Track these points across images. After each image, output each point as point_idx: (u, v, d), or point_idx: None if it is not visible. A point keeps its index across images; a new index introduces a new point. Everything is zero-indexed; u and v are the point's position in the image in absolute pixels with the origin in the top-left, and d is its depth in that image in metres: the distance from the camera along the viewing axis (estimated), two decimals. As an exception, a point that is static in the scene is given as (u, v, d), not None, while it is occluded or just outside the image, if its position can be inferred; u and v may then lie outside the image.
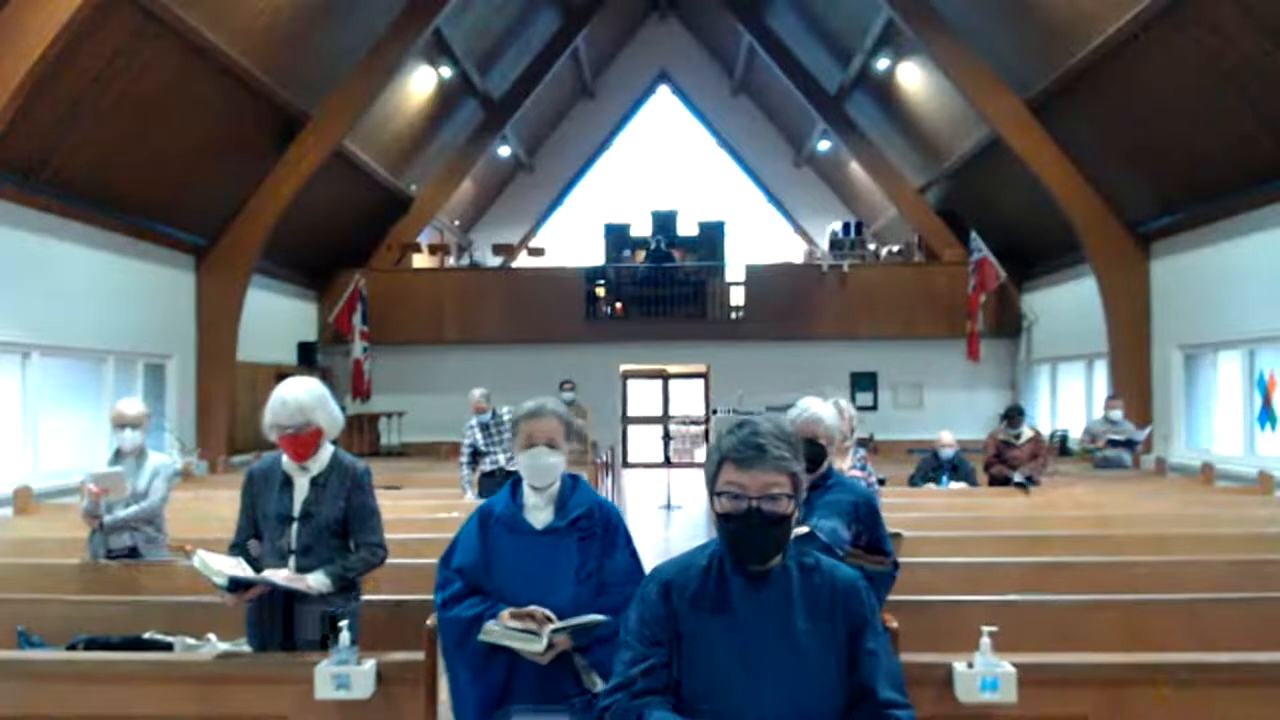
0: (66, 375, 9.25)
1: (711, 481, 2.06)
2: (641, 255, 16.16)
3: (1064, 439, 12.53)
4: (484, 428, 8.05)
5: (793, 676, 1.97)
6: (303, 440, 3.33)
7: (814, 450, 3.33)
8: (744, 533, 2.01)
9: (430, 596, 3.02)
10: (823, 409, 3.47)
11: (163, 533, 4.97)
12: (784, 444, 2.03)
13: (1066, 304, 13.02)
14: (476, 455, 8.07)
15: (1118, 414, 9.56)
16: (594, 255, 17.07)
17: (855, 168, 17.70)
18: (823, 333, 14.68)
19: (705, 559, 2.11)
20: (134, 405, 4.96)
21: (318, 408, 3.36)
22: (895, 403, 15.05)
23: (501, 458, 7.94)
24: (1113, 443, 9.53)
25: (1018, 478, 8.05)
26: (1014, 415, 8.50)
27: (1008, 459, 8.30)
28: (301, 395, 3.34)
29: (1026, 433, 8.44)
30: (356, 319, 14.15)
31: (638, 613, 2.12)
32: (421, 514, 6.95)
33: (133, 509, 4.78)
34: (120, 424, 4.86)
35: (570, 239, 19.95)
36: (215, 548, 3.41)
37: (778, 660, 1.98)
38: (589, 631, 2.74)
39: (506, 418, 8.19)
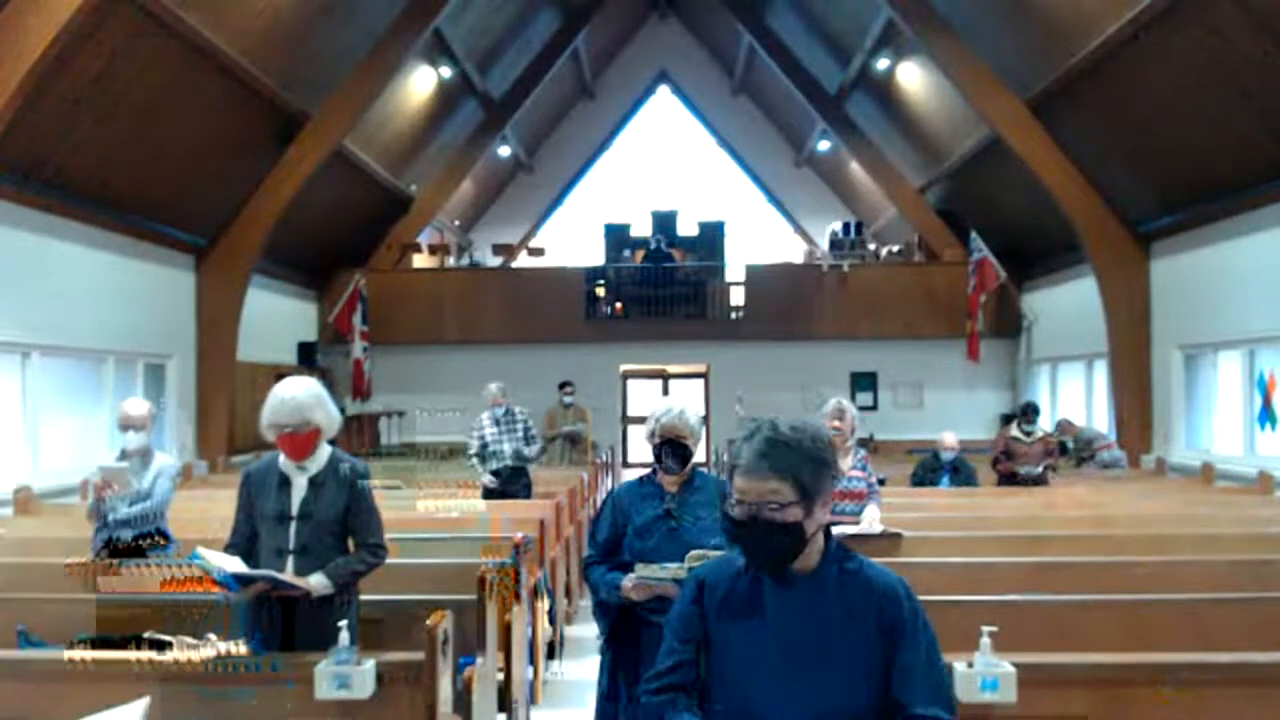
0: (66, 375, 9.24)
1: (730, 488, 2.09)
2: (641, 255, 16.15)
3: (1064, 441, 12.53)
4: (496, 421, 8.05)
5: (818, 681, 1.95)
6: (301, 440, 3.33)
7: (681, 450, 3.35)
8: (749, 540, 2.01)
9: (429, 596, 3.00)
10: (689, 409, 3.43)
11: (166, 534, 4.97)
12: (788, 448, 1.99)
13: (1066, 304, 13.01)
14: (484, 449, 8.06)
15: (1070, 442, 9.68)
16: (594, 255, 17.06)
17: (855, 168, 17.69)
18: (823, 333, 14.67)
19: (742, 559, 2.11)
20: (138, 406, 4.96)
21: (316, 407, 3.36)
22: (895, 403, 15.04)
23: (507, 448, 7.95)
24: (1083, 460, 9.71)
25: (1035, 470, 8.08)
26: (1029, 412, 8.49)
27: (1016, 456, 8.31)
28: (300, 394, 3.35)
29: (1036, 432, 8.46)
30: (356, 319, 14.15)
31: (676, 607, 2.15)
32: (422, 513, 6.93)
33: (136, 508, 4.78)
34: (125, 425, 4.87)
35: (570, 239, 19.93)
36: (216, 548, 3.41)
37: (803, 664, 1.96)
38: None
39: (518, 412, 8.22)
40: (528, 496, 7.97)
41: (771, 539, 1.98)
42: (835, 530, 5.48)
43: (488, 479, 7.81)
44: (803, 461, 1.99)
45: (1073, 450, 9.95)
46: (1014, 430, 8.51)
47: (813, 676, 1.96)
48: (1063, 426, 9.89)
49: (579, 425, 11.24)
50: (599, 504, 9.84)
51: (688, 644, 2.07)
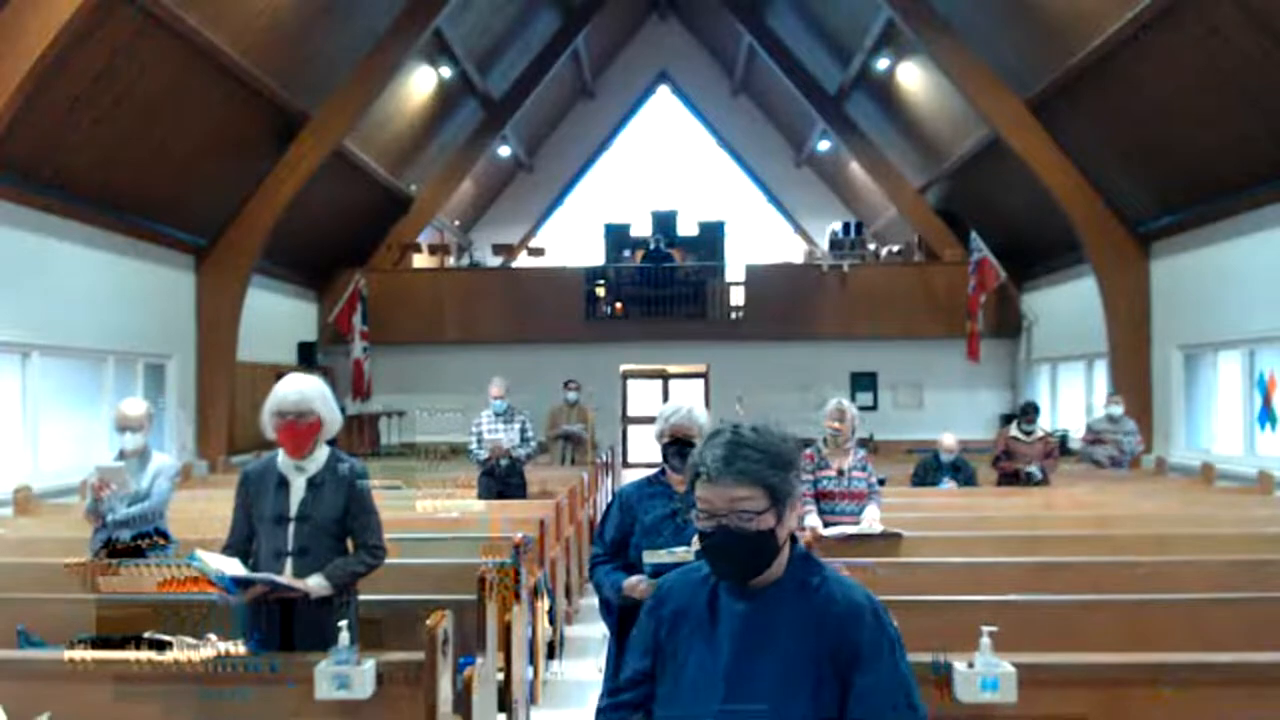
0: (66, 375, 9.24)
1: (693, 498, 1.94)
2: (641, 255, 16.15)
3: (1064, 439, 12.53)
4: (495, 415, 8.04)
5: (759, 700, 1.84)
6: (301, 430, 3.32)
7: (690, 450, 3.33)
8: (717, 551, 1.89)
9: (429, 596, 3.00)
10: (697, 408, 3.43)
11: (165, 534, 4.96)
12: (754, 451, 1.86)
13: (1066, 304, 13.02)
14: (480, 444, 8.05)
15: (1118, 409, 9.56)
16: (594, 255, 17.07)
17: (855, 168, 17.69)
18: (823, 333, 14.68)
19: (708, 568, 1.99)
20: (136, 406, 4.95)
21: (318, 398, 3.37)
22: (895, 403, 15.05)
23: (502, 438, 7.94)
24: (1094, 443, 9.60)
25: (1034, 469, 8.09)
26: (1029, 412, 8.50)
27: (1017, 456, 8.32)
28: (304, 384, 3.37)
29: (1036, 431, 8.47)
30: (356, 319, 14.16)
31: (642, 615, 2.07)
32: (421, 514, 6.94)
33: (135, 508, 4.78)
34: (122, 426, 4.86)
35: (570, 239, 19.93)
36: (215, 548, 3.41)
37: (745, 681, 1.85)
38: None
39: (518, 412, 8.21)
40: (523, 496, 7.96)
41: (741, 550, 1.87)
42: (835, 530, 5.50)
43: (481, 454, 7.84)
44: (770, 466, 1.87)
45: (1118, 427, 9.67)
46: (1014, 430, 8.52)
47: (755, 694, 1.84)
48: (1112, 399, 9.74)
49: (579, 426, 11.22)
50: (601, 504, 9.89)
51: (645, 656, 1.99)
